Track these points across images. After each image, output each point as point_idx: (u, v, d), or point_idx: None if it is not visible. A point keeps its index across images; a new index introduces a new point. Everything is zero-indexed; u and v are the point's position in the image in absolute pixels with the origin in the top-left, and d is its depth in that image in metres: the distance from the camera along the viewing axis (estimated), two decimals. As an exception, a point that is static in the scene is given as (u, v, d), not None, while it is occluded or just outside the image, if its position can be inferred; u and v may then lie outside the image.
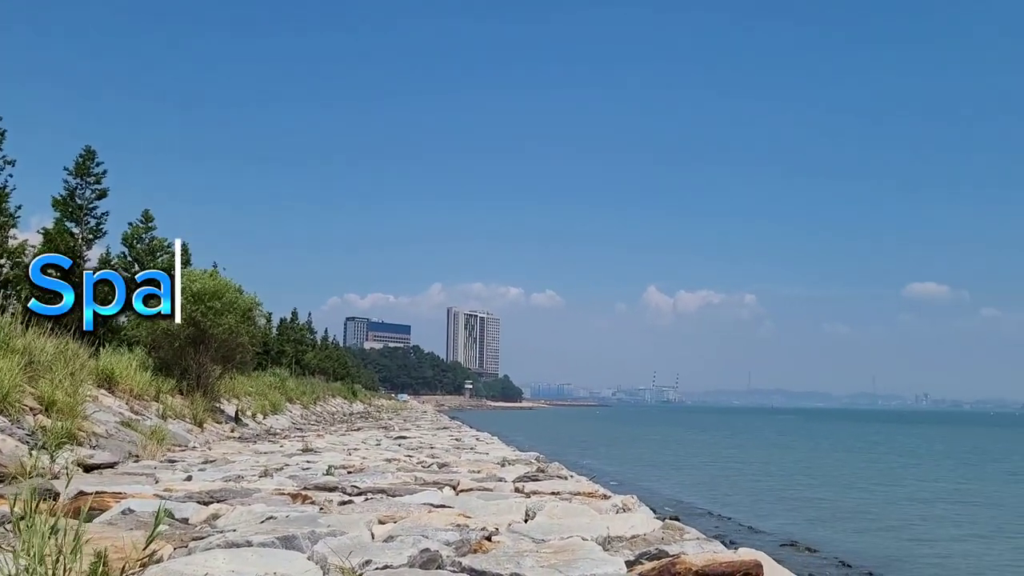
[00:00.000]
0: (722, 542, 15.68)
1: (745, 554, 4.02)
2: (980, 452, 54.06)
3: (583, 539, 4.52)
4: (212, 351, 21.52)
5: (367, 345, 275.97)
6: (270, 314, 56.06)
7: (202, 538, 4.76)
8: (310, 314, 72.74)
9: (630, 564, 4.03)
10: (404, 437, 19.21)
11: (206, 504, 6.17)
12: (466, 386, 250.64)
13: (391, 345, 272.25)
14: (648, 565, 3.84)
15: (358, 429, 25.00)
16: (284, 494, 6.91)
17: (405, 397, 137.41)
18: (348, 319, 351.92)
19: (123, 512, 5.62)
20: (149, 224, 28.60)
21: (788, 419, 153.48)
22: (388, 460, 11.40)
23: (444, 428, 28.42)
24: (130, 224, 28.40)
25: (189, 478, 8.55)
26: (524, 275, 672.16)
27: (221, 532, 4.89)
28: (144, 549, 4.05)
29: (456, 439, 19.43)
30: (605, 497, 6.93)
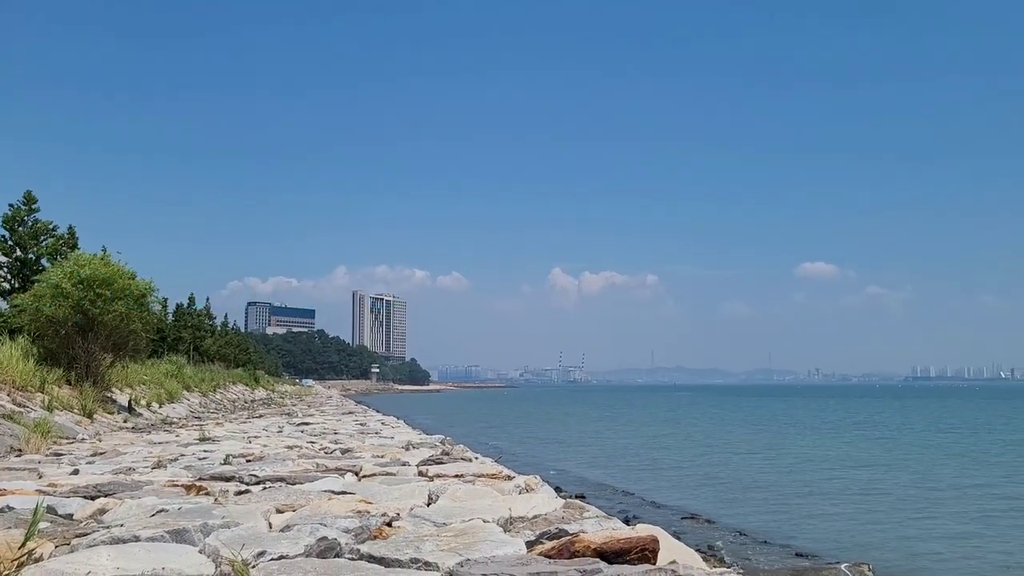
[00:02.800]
0: (625, 518, 16.14)
1: (642, 530, 4.11)
2: (864, 423, 57.20)
3: (484, 521, 4.53)
4: (103, 339, 20.53)
5: (270, 330, 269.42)
6: (166, 300, 54.02)
7: (87, 534, 4.53)
8: (208, 299, 70.30)
9: (530, 544, 4.05)
10: (307, 423, 18.86)
11: (93, 499, 5.88)
12: (373, 370, 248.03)
13: (295, 330, 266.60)
14: (548, 544, 3.87)
15: (260, 416, 24.40)
16: (178, 485, 6.66)
17: (310, 382, 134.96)
18: (249, 304, 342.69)
19: (1, 510, 5.30)
20: (32, 206, 26.98)
21: (688, 396, 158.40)
22: (289, 447, 11.16)
23: (349, 413, 28.04)
24: (11, 206, 26.75)
25: (76, 472, 8.15)
26: (430, 258, 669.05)
27: (107, 528, 4.67)
28: (20, 548, 3.83)
29: (361, 424, 19.20)
30: (508, 478, 6.96)
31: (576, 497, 20.82)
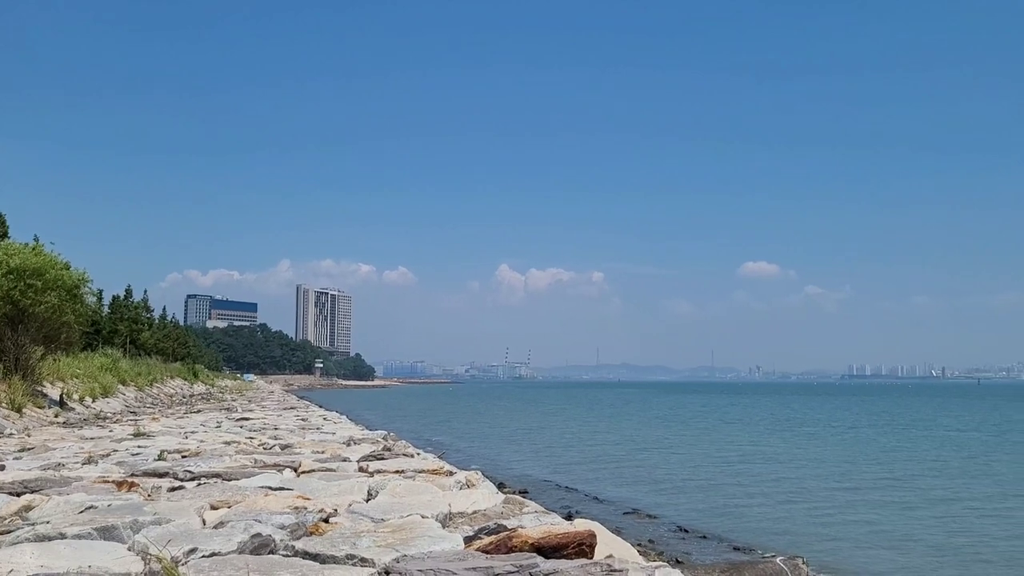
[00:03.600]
0: (568, 513, 16.23)
1: (580, 524, 4.13)
2: (800, 420, 58.64)
3: (423, 517, 4.50)
4: (33, 331, 19.87)
5: (210, 324, 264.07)
6: (101, 291, 52.59)
7: (10, 532, 4.38)
8: (146, 292, 68.51)
9: (469, 540, 4.04)
10: (247, 418, 18.54)
11: (18, 495, 5.68)
12: (316, 365, 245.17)
13: (236, 324, 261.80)
14: (486, 540, 3.86)
15: (198, 411, 23.90)
16: (109, 482, 6.47)
17: (251, 377, 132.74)
18: (189, 296, 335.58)
19: (-82, 508, 5.09)
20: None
21: (633, 392, 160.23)
22: (227, 443, 10.94)
23: (291, 408, 27.65)
24: (-71, 194, 25.68)
25: (2, 467, 7.87)
26: (376, 252, 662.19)
27: (32, 525, 4.51)
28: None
29: (302, 419, 18.95)
30: (450, 474, 6.94)
31: (519, 493, 20.93)
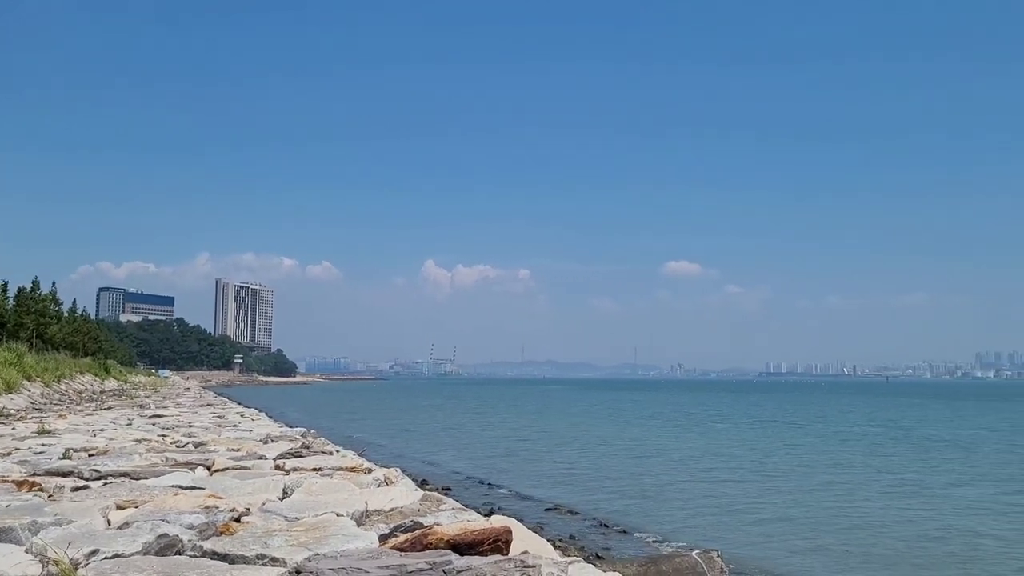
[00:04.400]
0: (490, 510, 16.24)
1: (497, 521, 4.14)
2: (719, 416, 60.18)
3: (338, 515, 4.44)
4: (-72, 323, 18.83)
5: (124, 318, 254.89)
6: (6, 283, 50.35)
7: None
8: (55, 284, 65.57)
9: (384, 537, 4.01)
10: (160, 416, 17.98)
11: (-93, 497, 5.37)
12: (236, 361, 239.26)
13: (152, 318, 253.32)
14: (402, 537, 3.84)
15: (108, 408, 23.06)
16: (8, 481, 6.18)
17: (167, 373, 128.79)
18: (102, 289, 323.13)
19: None
20: None
21: (558, 389, 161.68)
22: (138, 441, 10.59)
23: (207, 405, 26.95)
24: None
25: None
26: (299, 246, 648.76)
27: (-80, 529, 4.27)
28: None
29: (219, 416, 18.49)
30: (368, 471, 6.87)
31: (442, 490, 20.87)
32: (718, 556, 11.57)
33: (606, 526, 16.55)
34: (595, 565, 8.08)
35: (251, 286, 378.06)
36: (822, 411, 68.55)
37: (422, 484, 20.48)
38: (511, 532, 3.81)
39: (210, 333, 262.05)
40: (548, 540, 15.33)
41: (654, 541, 15.00)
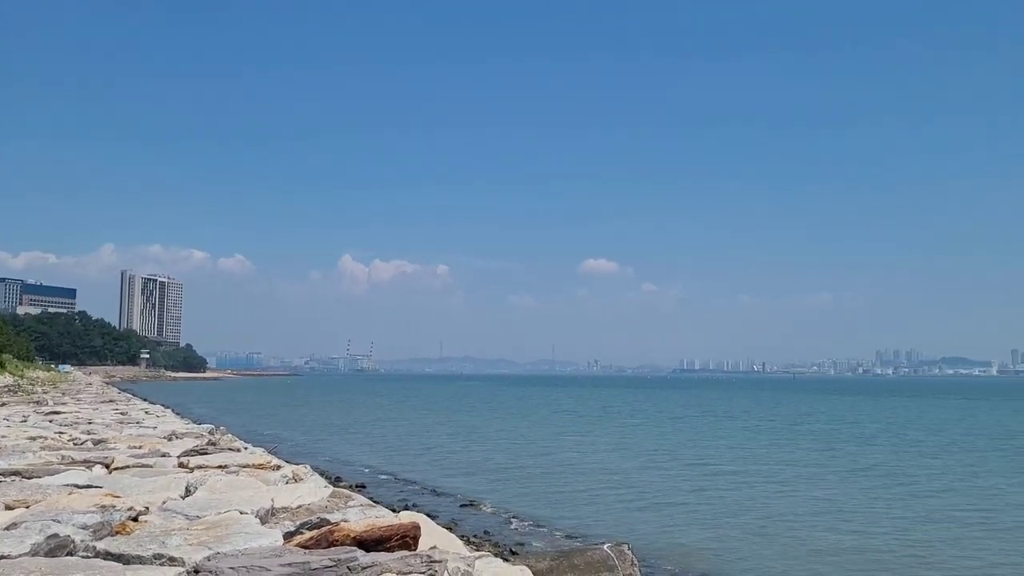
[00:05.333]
0: (405, 506, 16.11)
1: (405, 517, 4.11)
2: (627, 411, 61.38)
3: (241, 513, 4.33)
4: None
5: (21, 310, 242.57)
6: None
7: None
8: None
9: (289, 535, 3.93)
10: (58, 412, 17.18)
11: None
12: (142, 356, 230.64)
13: (52, 310, 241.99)
14: (307, 535, 3.77)
15: (2, 404, 21.92)
16: None
17: (68, 368, 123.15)
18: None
19: None
20: None
21: (475, 385, 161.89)
22: (33, 438, 10.09)
23: (110, 402, 25.91)
24: None
25: None
26: (210, 238, 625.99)
27: None
28: None
29: (122, 413, 17.80)
30: (276, 468, 6.72)
31: (356, 487, 20.62)
32: (628, 549, 11.78)
33: (521, 520, 16.71)
34: (508, 560, 8.11)
35: (159, 279, 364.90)
36: (730, 407, 70.69)
37: (336, 481, 20.22)
38: (419, 528, 3.79)
39: (115, 327, 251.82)
40: (462, 536, 15.34)
41: (567, 535, 15.22)
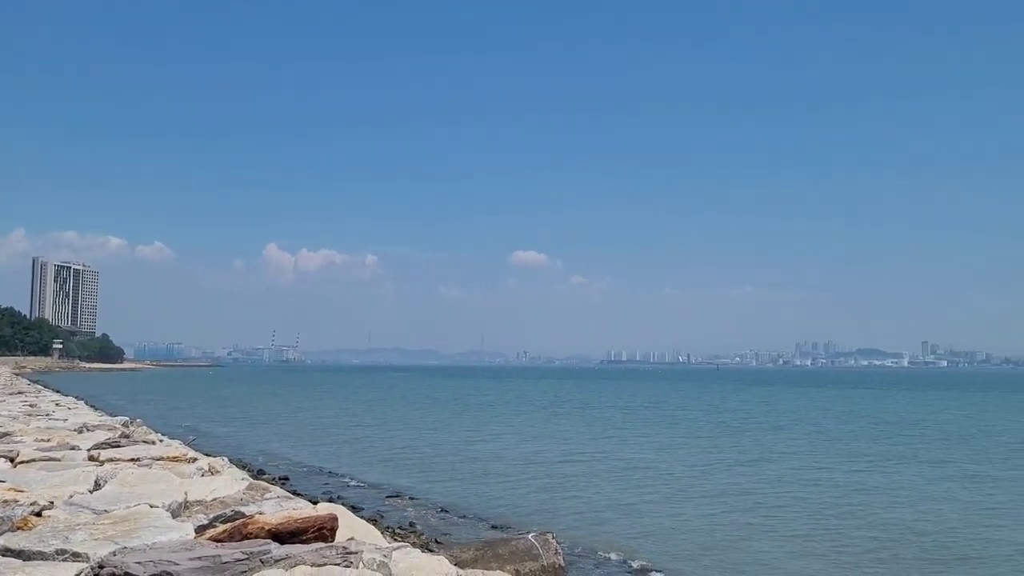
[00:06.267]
0: (329, 498, 15.88)
1: (323, 508, 4.06)
2: (552, 401, 61.98)
3: (152, 506, 4.21)
4: None
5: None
6: None
7: None
8: None
9: (202, 528, 3.84)
10: (-39, 405, 16.41)
11: None
12: (55, 346, 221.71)
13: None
14: (220, 528, 3.69)
15: (-101, 397, 20.82)
16: None
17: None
18: None
19: None
20: None
21: (403, 376, 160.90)
22: (-69, 432, 9.60)
23: (18, 393, 24.86)
24: None
25: None
26: (128, 224, 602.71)
27: None
28: None
29: (30, 405, 17.10)
30: (192, 460, 6.55)
31: (280, 479, 20.27)
32: (553, 538, 11.90)
33: (446, 512, 16.71)
34: (432, 551, 8.09)
35: (73, 266, 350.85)
36: (654, 397, 72.05)
37: (258, 474, 19.83)
38: (337, 519, 3.76)
39: (25, 316, 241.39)
40: (387, 527, 15.21)
41: (493, 526, 15.29)
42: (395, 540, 6.92)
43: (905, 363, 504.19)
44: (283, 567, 2.96)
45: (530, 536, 11.90)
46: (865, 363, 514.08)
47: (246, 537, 3.46)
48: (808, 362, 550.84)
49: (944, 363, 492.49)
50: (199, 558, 2.95)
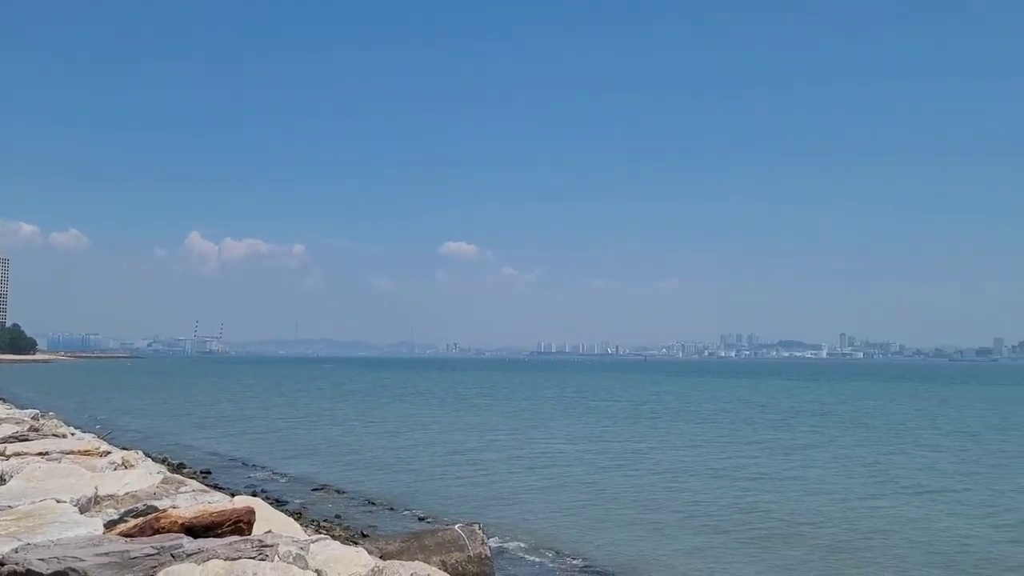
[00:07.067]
0: (253, 492, 15.58)
1: (240, 502, 3.99)
2: (479, 393, 62.18)
3: (58, 501, 4.06)
4: None
5: None
6: None
7: None
8: None
9: (112, 524, 3.73)
10: None
11: None
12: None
13: None
14: (131, 523, 3.59)
15: None
16: None
17: None
18: None
19: None
20: None
21: (332, 368, 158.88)
22: None
23: (-79, 386, 23.65)
24: None
25: None
26: (40, 210, 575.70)
27: None
28: None
29: (-67, 398, 16.28)
30: (104, 454, 6.34)
31: (201, 472, 19.80)
32: (479, 528, 11.95)
33: (373, 504, 16.62)
34: (358, 543, 8.02)
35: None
36: (582, 388, 72.98)
37: (178, 467, 19.33)
38: (254, 512, 3.69)
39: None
40: (312, 520, 14.99)
41: (420, 517, 15.27)
42: (319, 533, 6.85)
43: (824, 354, 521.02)
44: (195, 561, 2.90)
45: (457, 527, 11.93)
46: (787, 354, 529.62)
47: (158, 532, 3.37)
48: (732, 353, 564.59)
49: (860, 354, 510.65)
50: (106, 553, 2.86)
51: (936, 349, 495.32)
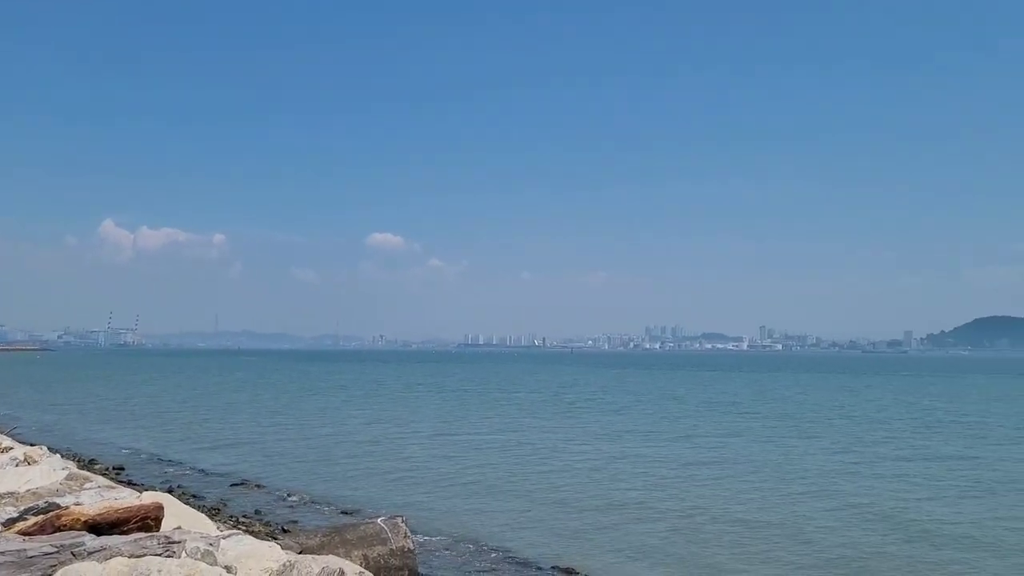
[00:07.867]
0: (169, 488, 15.17)
1: (148, 497, 3.89)
2: (406, 385, 61.94)
3: (-48, 500, 3.89)
4: None
5: None
6: None
7: None
8: None
9: (11, 522, 3.58)
10: None
11: None
12: None
13: None
14: (31, 520, 3.46)
15: None
16: None
17: None
18: None
19: None
20: None
21: (253, 361, 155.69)
22: None
23: None
24: None
25: None
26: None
27: None
28: None
29: None
30: (6, 450, 6.08)
31: (113, 468, 19.18)
32: (403, 521, 11.91)
33: (295, 498, 16.44)
34: (278, 539, 7.89)
35: None
36: (507, 380, 73.41)
37: (89, 463, 18.70)
38: (162, 508, 3.60)
39: None
40: (231, 516, 14.68)
41: (342, 511, 15.16)
42: (236, 529, 6.72)
43: (745, 346, 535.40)
44: (98, 559, 2.81)
45: (379, 520, 11.86)
46: (709, 346, 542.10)
47: (59, 529, 3.26)
48: (657, 346, 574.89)
49: (779, 346, 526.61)
50: (2, 553, 2.75)
51: (851, 341, 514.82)
